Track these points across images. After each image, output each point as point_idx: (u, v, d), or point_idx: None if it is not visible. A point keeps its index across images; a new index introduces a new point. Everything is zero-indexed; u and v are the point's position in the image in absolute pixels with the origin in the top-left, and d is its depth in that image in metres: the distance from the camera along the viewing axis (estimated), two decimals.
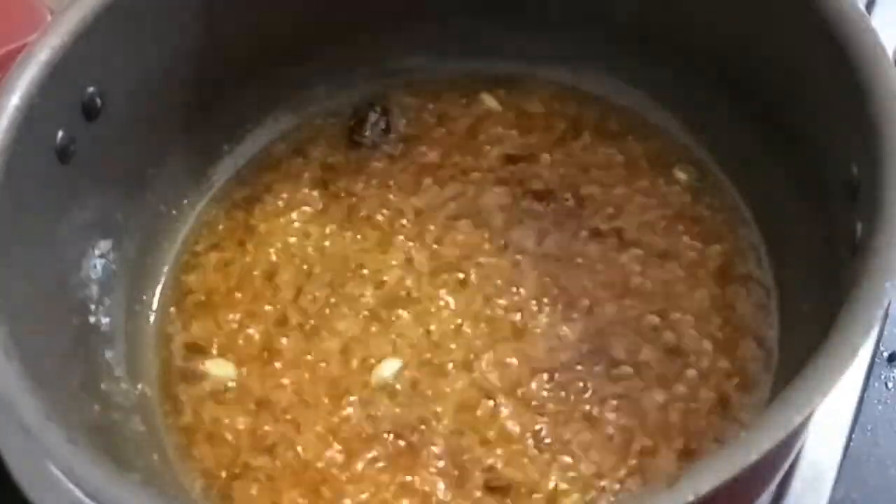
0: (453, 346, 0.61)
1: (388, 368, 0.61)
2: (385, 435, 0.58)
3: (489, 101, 0.72)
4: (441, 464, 0.57)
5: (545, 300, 0.62)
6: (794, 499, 0.58)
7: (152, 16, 0.59)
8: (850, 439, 0.61)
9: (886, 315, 0.65)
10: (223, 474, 0.58)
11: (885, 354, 0.67)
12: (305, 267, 0.66)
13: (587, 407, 0.58)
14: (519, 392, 0.59)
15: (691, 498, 0.39)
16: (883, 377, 0.67)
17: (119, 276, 0.62)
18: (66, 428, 0.45)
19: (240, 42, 0.65)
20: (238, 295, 0.65)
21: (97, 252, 0.60)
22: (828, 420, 0.60)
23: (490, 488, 0.56)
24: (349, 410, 0.60)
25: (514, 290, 0.63)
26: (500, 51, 0.71)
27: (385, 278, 0.64)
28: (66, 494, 0.50)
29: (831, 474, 0.59)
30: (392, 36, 0.70)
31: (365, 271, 0.65)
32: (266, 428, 0.60)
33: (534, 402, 0.59)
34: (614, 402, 0.58)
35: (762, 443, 0.41)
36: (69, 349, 0.56)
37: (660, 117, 0.69)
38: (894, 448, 0.64)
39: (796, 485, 0.58)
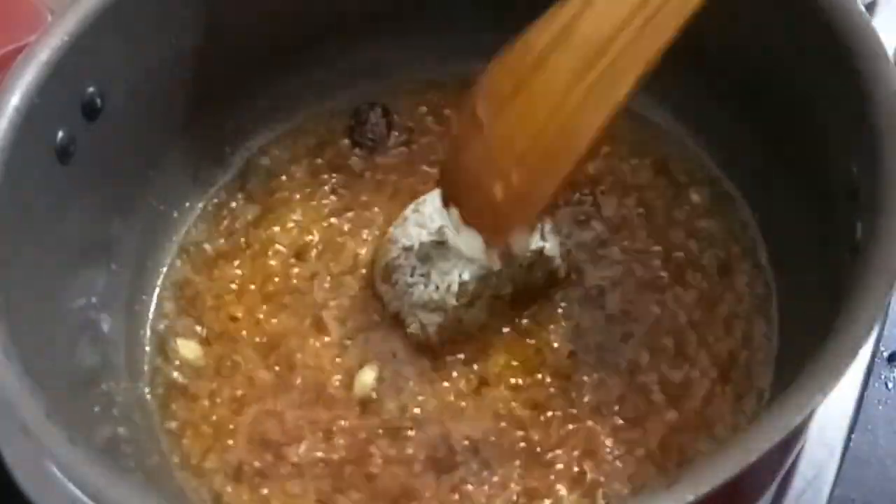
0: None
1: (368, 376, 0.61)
2: (376, 436, 0.58)
3: None
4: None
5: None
6: (794, 499, 0.58)
7: (152, 16, 0.59)
8: (849, 439, 0.61)
9: (886, 315, 0.65)
10: (221, 474, 0.58)
11: (885, 354, 0.67)
12: (306, 267, 0.66)
13: (586, 406, 0.58)
14: (515, 385, 0.60)
15: (691, 498, 0.39)
16: (883, 377, 0.67)
17: (119, 276, 0.62)
18: (67, 428, 0.45)
19: (240, 42, 0.65)
20: (239, 295, 0.65)
21: (97, 252, 0.61)
22: (828, 420, 0.60)
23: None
24: (346, 412, 0.60)
25: None
26: (500, 51, 0.71)
27: None
28: (66, 494, 0.50)
29: (831, 474, 0.59)
30: (392, 36, 0.70)
31: (365, 271, 0.65)
32: (267, 428, 0.60)
33: (528, 397, 0.59)
34: (612, 402, 0.58)
35: (762, 443, 0.41)
36: (69, 349, 0.56)
37: (659, 116, 0.69)
38: (894, 448, 0.64)
39: (796, 485, 0.58)
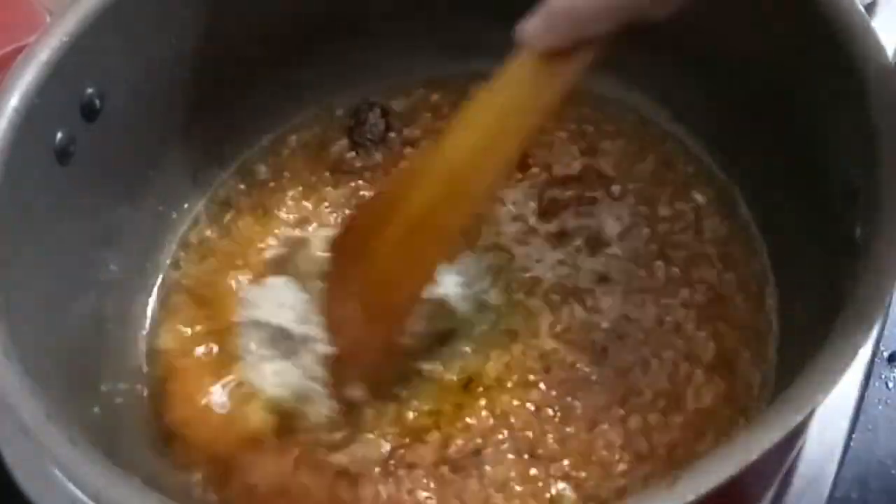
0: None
1: None
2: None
3: None
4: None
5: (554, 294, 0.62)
6: (794, 499, 0.58)
7: (152, 16, 0.59)
8: (850, 439, 0.61)
9: (886, 315, 0.65)
10: (223, 474, 0.58)
11: (885, 354, 0.67)
12: (304, 264, 0.65)
13: (587, 408, 0.58)
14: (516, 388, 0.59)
15: (691, 497, 0.39)
16: (883, 377, 0.67)
17: (118, 276, 0.62)
18: (67, 428, 0.45)
19: (239, 43, 0.65)
20: (238, 294, 0.64)
21: (97, 253, 0.60)
22: (828, 420, 0.60)
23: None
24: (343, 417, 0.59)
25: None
26: (500, 50, 0.70)
27: None
28: (66, 494, 0.50)
29: (831, 474, 0.59)
30: (392, 36, 0.70)
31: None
32: (262, 430, 0.59)
33: (529, 400, 0.59)
34: (613, 403, 0.58)
35: (762, 442, 0.41)
36: (68, 350, 0.56)
37: (660, 117, 0.69)
38: (894, 448, 0.64)
39: (796, 485, 0.58)
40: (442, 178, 0.52)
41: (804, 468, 0.59)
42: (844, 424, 0.61)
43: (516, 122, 0.49)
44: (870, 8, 0.74)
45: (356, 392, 0.58)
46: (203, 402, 0.60)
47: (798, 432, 0.53)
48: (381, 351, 0.58)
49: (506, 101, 0.49)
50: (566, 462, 0.57)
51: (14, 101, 0.53)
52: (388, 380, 0.59)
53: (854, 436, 0.61)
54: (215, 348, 0.63)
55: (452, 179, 0.51)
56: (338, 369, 0.58)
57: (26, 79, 0.53)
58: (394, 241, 0.54)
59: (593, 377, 0.59)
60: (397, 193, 0.54)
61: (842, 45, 0.52)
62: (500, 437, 0.58)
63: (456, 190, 0.51)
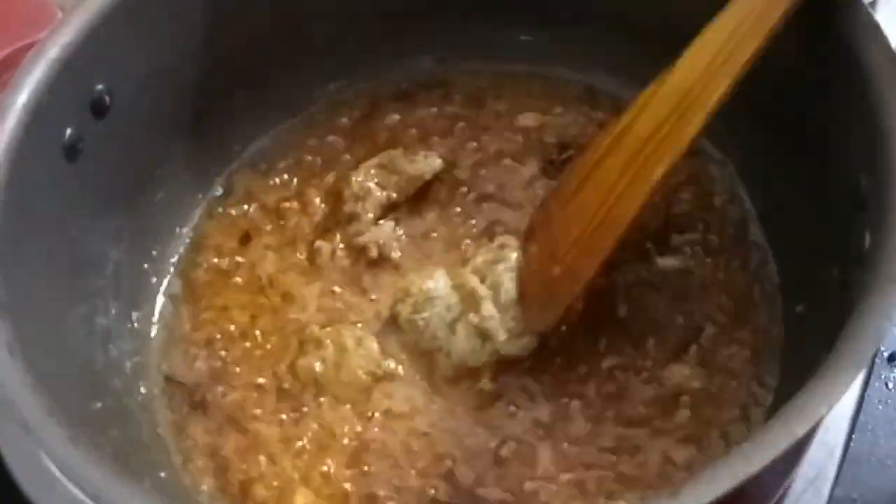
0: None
1: None
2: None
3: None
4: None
5: None
6: (794, 499, 0.58)
7: (162, 16, 0.59)
8: (850, 439, 0.61)
9: None
10: (228, 477, 0.58)
11: (885, 354, 0.68)
12: (311, 263, 0.66)
13: (586, 405, 0.59)
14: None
15: None
16: (883, 377, 0.67)
17: (125, 274, 0.62)
18: (69, 427, 0.44)
19: (249, 43, 0.65)
20: (244, 291, 0.65)
21: (103, 250, 0.60)
22: (828, 420, 0.60)
23: None
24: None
25: None
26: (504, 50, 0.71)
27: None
28: (66, 494, 0.50)
29: (831, 474, 0.59)
30: (395, 36, 0.70)
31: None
32: (267, 435, 0.59)
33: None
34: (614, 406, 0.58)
35: (765, 453, 0.41)
36: (73, 348, 0.56)
37: None
38: (894, 448, 0.64)
39: (796, 485, 0.59)
40: (672, 98, 0.55)
41: (804, 468, 0.59)
42: (844, 424, 0.61)
43: (747, 43, 0.53)
44: (870, 7, 0.73)
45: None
46: None
47: (802, 444, 0.53)
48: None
49: (738, 25, 0.54)
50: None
51: (24, 97, 0.53)
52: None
53: (854, 436, 0.62)
54: (222, 345, 0.63)
55: (683, 98, 0.55)
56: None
57: (36, 75, 0.53)
58: (619, 164, 0.57)
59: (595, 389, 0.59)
60: (619, 127, 0.58)
61: (853, 56, 0.52)
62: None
63: (686, 106, 0.55)
